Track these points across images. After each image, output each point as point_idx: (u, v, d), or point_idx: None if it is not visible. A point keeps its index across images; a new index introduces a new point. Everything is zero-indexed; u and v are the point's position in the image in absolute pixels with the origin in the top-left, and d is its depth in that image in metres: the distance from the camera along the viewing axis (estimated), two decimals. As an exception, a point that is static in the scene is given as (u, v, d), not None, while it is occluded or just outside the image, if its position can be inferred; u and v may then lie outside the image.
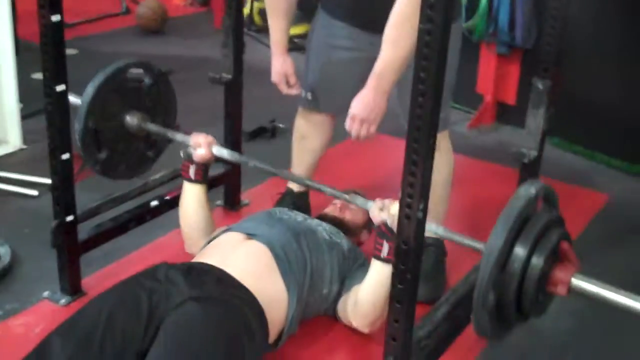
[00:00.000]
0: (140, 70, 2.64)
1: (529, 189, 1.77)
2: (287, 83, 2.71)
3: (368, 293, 2.24)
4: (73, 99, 2.47)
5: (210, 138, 2.56)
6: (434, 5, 1.54)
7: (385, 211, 2.14)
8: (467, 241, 2.01)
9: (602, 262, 2.88)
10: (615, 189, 3.52)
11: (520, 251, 1.70)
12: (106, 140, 2.57)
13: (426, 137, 1.64)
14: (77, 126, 2.45)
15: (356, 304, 2.30)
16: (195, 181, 2.56)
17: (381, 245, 2.17)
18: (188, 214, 2.58)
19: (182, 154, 2.57)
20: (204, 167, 2.56)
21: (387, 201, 2.16)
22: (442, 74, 1.62)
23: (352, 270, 2.41)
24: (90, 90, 2.47)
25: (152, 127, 2.64)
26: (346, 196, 2.31)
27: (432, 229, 1.99)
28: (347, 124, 2.35)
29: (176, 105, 2.77)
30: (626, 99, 3.68)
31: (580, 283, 1.75)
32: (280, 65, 2.67)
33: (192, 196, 2.57)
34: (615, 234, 3.12)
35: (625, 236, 3.12)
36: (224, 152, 2.57)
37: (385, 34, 2.26)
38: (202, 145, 2.52)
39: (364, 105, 2.30)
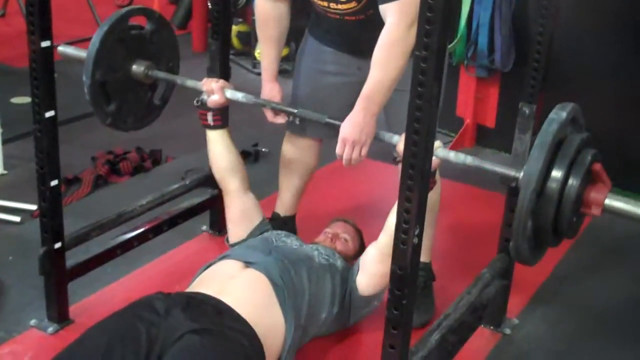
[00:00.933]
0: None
1: (561, 113, 1.78)
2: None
3: (390, 233, 2.13)
4: (76, 52, 2.50)
5: (222, 82, 2.59)
6: (430, 32, 1.56)
7: None
8: (500, 169, 2.05)
9: (586, 283, 2.93)
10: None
11: (557, 174, 1.73)
12: (114, 91, 2.57)
13: (422, 162, 1.66)
14: (85, 80, 2.46)
15: (385, 233, 2.30)
16: (216, 127, 2.60)
17: None
18: (217, 159, 2.64)
19: (195, 103, 2.59)
20: (220, 112, 2.59)
21: None
22: (437, 100, 1.64)
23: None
24: (95, 41, 2.46)
25: (160, 74, 2.65)
26: (326, 118, 2.37)
27: (461, 158, 2.09)
28: (338, 148, 2.35)
29: (179, 50, 2.79)
30: (613, 120, 3.69)
31: (614, 202, 1.78)
32: (268, 92, 2.68)
33: (216, 142, 2.62)
34: (597, 256, 3.15)
35: (607, 257, 3.15)
36: (238, 95, 2.57)
37: (374, 56, 2.28)
38: (215, 91, 2.55)
39: (354, 126, 2.30)
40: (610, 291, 2.90)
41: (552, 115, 1.78)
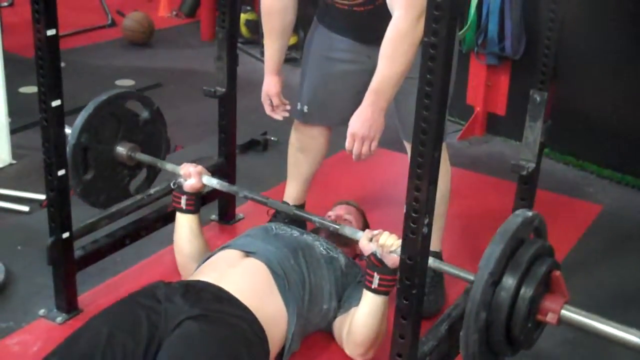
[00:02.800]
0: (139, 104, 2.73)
1: (523, 214, 1.77)
2: (271, 104, 2.69)
3: (360, 324, 2.24)
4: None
5: (199, 168, 2.57)
6: (439, 18, 1.53)
7: (375, 242, 2.14)
8: (457, 272, 2.04)
9: (598, 273, 2.90)
10: (606, 200, 3.53)
11: (510, 279, 1.71)
12: (94, 161, 2.61)
13: (431, 151, 1.64)
14: (69, 139, 2.46)
15: (349, 332, 2.29)
16: (187, 211, 2.57)
17: (372, 276, 2.17)
18: (182, 244, 2.58)
19: (172, 185, 2.58)
20: (195, 197, 2.57)
21: (376, 232, 2.18)
22: (447, 87, 1.62)
23: (351, 287, 2.40)
24: (90, 106, 2.51)
25: (142, 157, 2.69)
26: (336, 226, 2.34)
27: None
28: (347, 143, 2.33)
29: (168, 144, 2.88)
30: (617, 109, 3.69)
31: (571, 314, 1.77)
32: (266, 85, 2.66)
33: (184, 226, 2.57)
34: (610, 245, 3.12)
35: (619, 246, 3.12)
36: (213, 182, 2.59)
37: (381, 50, 2.25)
38: (192, 175, 2.53)
39: (362, 122, 2.28)
40: (622, 280, 2.87)
41: (509, 220, 1.77)
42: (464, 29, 3.87)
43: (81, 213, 2.59)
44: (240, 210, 3.20)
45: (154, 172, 2.84)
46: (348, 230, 2.31)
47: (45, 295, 2.53)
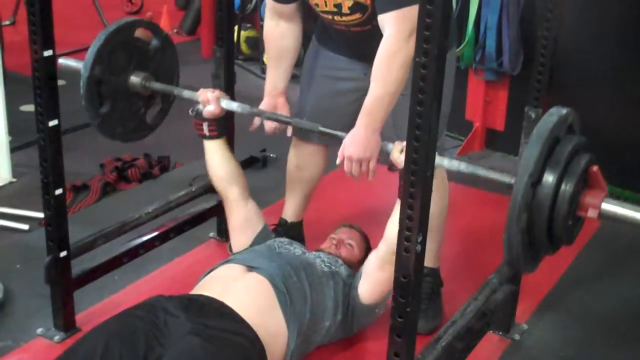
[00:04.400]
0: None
1: (558, 112, 1.75)
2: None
3: (394, 232, 2.19)
4: (77, 63, 2.50)
5: (217, 92, 2.57)
6: (429, 38, 1.54)
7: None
8: (494, 175, 1.99)
9: (597, 287, 2.90)
10: (605, 214, 3.52)
11: (550, 177, 1.69)
12: (109, 94, 2.56)
13: (423, 170, 1.65)
14: (82, 72, 2.46)
15: (385, 244, 2.28)
16: (211, 137, 2.59)
17: None
18: (215, 169, 2.62)
19: (191, 113, 2.58)
20: (216, 122, 2.58)
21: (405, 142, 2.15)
22: (438, 106, 1.62)
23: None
24: (100, 37, 2.48)
25: (157, 85, 2.64)
26: (319, 127, 2.36)
27: (454, 165, 2.03)
28: (345, 166, 2.33)
29: (179, 70, 2.80)
30: (618, 124, 3.69)
31: (611, 207, 1.74)
32: (262, 105, 2.67)
33: (213, 152, 2.61)
34: (608, 260, 3.12)
35: (618, 261, 3.12)
36: (233, 105, 2.58)
37: (373, 70, 2.26)
38: (210, 101, 2.53)
39: (357, 144, 2.29)
40: (620, 296, 2.87)
41: (548, 114, 1.75)
42: (462, 45, 3.88)
43: (79, 231, 2.60)
44: (238, 228, 3.20)
45: (168, 102, 2.79)
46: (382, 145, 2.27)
47: (43, 314, 2.53)
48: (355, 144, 2.29)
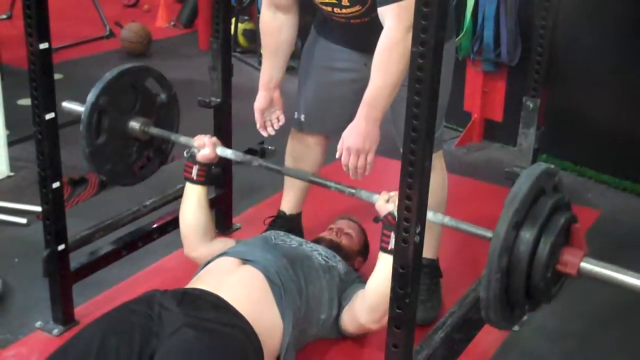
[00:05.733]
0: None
1: (541, 166, 1.75)
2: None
3: (377, 286, 2.21)
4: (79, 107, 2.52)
5: (214, 139, 2.57)
6: (426, 28, 1.53)
7: (392, 202, 2.13)
8: (474, 229, 1.99)
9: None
10: (605, 205, 3.52)
11: (527, 235, 1.68)
12: (107, 129, 2.57)
13: (421, 160, 1.64)
14: (89, 97, 2.49)
15: (364, 299, 2.27)
16: (197, 182, 2.58)
17: (388, 237, 2.15)
18: (188, 215, 2.58)
19: (185, 154, 2.58)
20: (206, 168, 2.58)
21: (392, 193, 2.15)
22: (436, 97, 1.61)
23: (352, 285, 2.41)
24: (114, 71, 2.54)
25: (155, 131, 2.66)
26: (352, 190, 2.29)
27: (439, 219, 2.00)
28: (343, 158, 2.33)
29: (178, 125, 2.83)
30: (615, 114, 3.69)
31: (591, 266, 1.75)
32: (256, 100, 2.66)
33: (192, 197, 2.58)
34: (608, 250, 3.11)
35: (618, 252, 3.11)
36: (228, 152, 2.58)
37: (374, 62, 2.25)
38: (206, 146, 2.53)
39: (356, 135, 2.29)
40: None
41: (526, 173, 1.75)
42: (460, 35, 3.87)
43: (77, 224, 2.60)
44: (237, 220, 3.21)
45: (161, 156, 2.81)
46: (364, 193, 2.28)
47: (42, 308, 2.53)
48: (355, 135, 2.29)
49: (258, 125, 2.68)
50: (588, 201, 3.57)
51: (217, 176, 2.98)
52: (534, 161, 2.44)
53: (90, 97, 2.49)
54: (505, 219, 1.66)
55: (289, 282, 2.27)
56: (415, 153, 1.63)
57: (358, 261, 2.66)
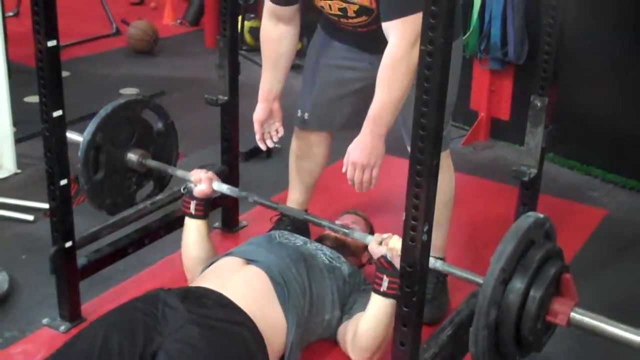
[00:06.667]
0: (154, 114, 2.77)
1: (530, 219, 1.76)
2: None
3: (368, 327, 2.24)
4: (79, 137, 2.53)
5: (210, 174, 2.57)
6: (435, 26, 1.54)
7: (384, 245, 2.14)
8: (466, 275, 2.00)
9: (603, 277, 2.89)
10: (611, 204, 3.52)
11: (519, 280, 1.70)
12: (105, 163, 2.60)
13: (429, 159, 1.64)
14: (85, 136, 2.52)
15: (355, 336, 2.28)
16: (196, 217, 2.57)
17: (381, 279, 2.17)
18: (190, 249, 2.58)
19: (182, 190, 2.60)
20: (204, 203, 2.57)
21: (385, 235, 2.18)
22: (444, 95, 1.61)
23: (354, 295, 2.40)
24: (108, 107, 2.55)
25: (153, 163, 2.69)
26: (345, 230, 2.34)
27: (432, 262, 1.98)
28: (348, 172, 2.34)
29: (177, 156, 2.89)
30: (621, 113, 3.69)
31: (581, 317, 1.77)
32: (255, 112, 2.65)
33: (193, 231, 2.58)
34: (614, 249, 3.12)
35: (625, 251, 3.12)
36: (224, 188, 2.59)
37: (378, 77, 2.27)
38: (202, 181, 2.54)
39: (362, 150, 2.30)
40: (628, 284, 2.86)
41: (517, 223, 1.76)
42: (467, 34, 3.87)
43: (84, 222, 2.60)
44: (243, 218, 3.21)
45: (161, 185, 2.85)
46: (357, 235, 2.32)
47: (49, 304, 2.54)
48: (360, 150, 2.30)
49: (257, 138, 2.67)
50: (594, 200, 3.57)
51: (224, 174, 2.98)
52: (541, 159, 2.43)
53: (86, 134, 2.52)
54: (492, 275, 1.68)
55: (292, 282, 2.27)
56: (423, 151, 1.63)
57: (364, 255, 2.66)
